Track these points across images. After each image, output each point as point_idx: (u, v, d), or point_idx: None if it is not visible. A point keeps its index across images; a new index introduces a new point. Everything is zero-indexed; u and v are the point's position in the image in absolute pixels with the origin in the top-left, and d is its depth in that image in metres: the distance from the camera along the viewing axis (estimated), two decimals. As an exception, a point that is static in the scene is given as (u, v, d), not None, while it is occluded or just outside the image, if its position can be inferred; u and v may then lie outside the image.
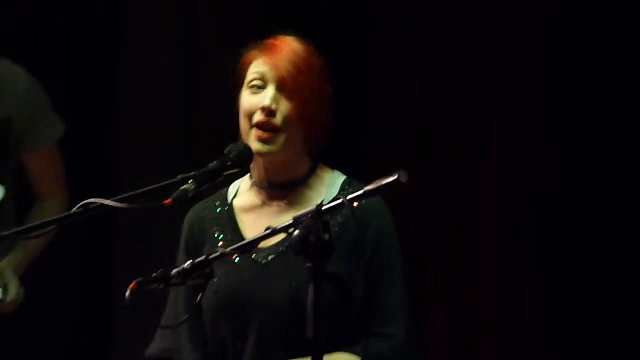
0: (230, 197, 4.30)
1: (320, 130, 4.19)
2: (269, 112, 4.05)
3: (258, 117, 4.06)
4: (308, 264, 3.47)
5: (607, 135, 6.16)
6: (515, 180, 6.32)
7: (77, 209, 3.88)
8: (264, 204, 4.23)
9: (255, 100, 4.09)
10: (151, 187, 3.93)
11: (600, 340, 6.11)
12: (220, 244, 4.15)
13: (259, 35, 4.28)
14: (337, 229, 3.90)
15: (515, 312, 6.28)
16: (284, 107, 4.06)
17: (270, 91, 4.08)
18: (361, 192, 3.62)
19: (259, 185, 4.23)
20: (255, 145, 4.07)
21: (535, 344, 6.28)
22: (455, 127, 6.35)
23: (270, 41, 4.17)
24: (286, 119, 4.06)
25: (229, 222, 4.25)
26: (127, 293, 3.77)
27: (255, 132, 4.07)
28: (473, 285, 6.30)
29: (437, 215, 6.29)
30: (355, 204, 3.76)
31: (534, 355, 6.28)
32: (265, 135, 4.05)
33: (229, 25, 6.01)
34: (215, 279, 4.04)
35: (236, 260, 4.13)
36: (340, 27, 6.02)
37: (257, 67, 4.13)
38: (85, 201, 3.89)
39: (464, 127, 6.35)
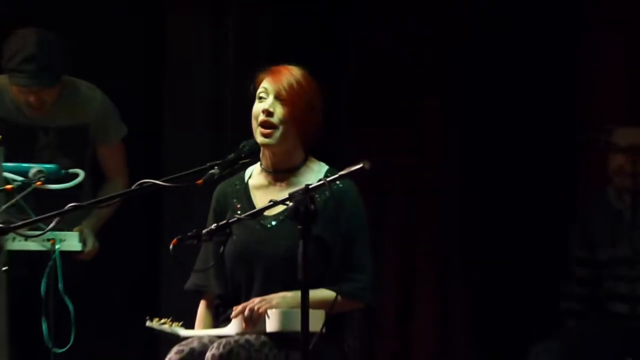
0: (246, 178, 4.33)
1: (309, 131, 4.23)
2: (268, 113, 4.12)
3: (261, 117, 4.13)
4: (299, 227, 3.58)
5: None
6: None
7: (135, 186, 3.94)
8: (269, 183, 4.28)
9: (260, 106, 4.16)
10: (187, 172, 3.98)
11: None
12: (238, 212, 4.19)
13: (268, 62, 4.32)
14: (321, 204, 3.93)
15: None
16: (279, 111, 4.12)
17: (270, 99, 4.14)
18: (337, 175, 3.78)
19: (266, 170, 4.27)
20: (259, 139, 4.15)
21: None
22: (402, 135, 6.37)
23: (275, 67, 4.23)
24: (280, 119, 4.12)
25: (244, 196, 4.30)
26: (171, 246, 3.87)
27: (259, 129, 4.14)
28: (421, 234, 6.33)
29: (391, 193, 6.35)
30: (337, 185, 4.04)
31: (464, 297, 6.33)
32: (265, 131, 4.12)
33: (246, 55, 6.03)
34: (234, 237, 4.14)
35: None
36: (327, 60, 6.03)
37: (264, 84, 4.18)
38: (141, 181, 3.96)
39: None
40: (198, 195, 4.35)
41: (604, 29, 6.07)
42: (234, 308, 4.15)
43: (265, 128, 4.16)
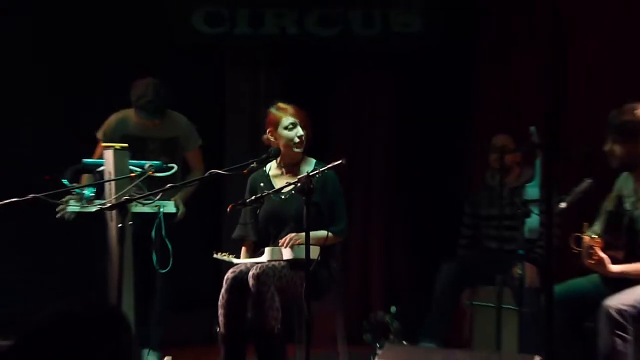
0: (267, 171, 4.40)
1: (308, 141, 4.29)
2: (301, 137, 4.20)
3: (296, 140, 4.21)
4: (303, 198, 3.66)
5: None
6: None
7: (207, 174, 4.02)
8: (282, 173, 4.35)
9: (292, 132, 4.22)
10: (237, 165, 4.07)
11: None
12: (265, 190, 4.21)
13: (285, 100, 4.39)
14: (315, 184, 3.93)
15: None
16: (303, 133, 4.21)
17: (298, 128, 4.21)
18: (324, 168, 3.88)
19: (280, 165, 4.35)
20: (295, 149, 4.23)
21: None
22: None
23: (287, 106, 4.30)
24: (305, 138, 4.24)
25: (267, 180, 4.36)
26: (228, 209, 3.95)
27: (296, 146, 4.22)
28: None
29: (356, 178, 6.32)
30: (325, 172, 4.01)
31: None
32: (299, 145, 4.23)
33: (272, 95, 5.87)
34: (263, 205, 4.26)
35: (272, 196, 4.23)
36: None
37: (290, 119, 4.23)
38: (210, 170, 4.02)
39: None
40: (243, 180, 4.37)
41: (486, 74, 6.05)
42: (280, 241, 4.19)
43: (300, 144, 4.23)
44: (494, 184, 5.23)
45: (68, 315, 1.53)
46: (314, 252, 3.91)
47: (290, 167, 4.33)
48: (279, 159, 4.32)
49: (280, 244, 4.18)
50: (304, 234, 4.07)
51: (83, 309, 1.54)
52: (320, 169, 3.91)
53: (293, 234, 4.16)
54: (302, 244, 4.03)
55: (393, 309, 5.33)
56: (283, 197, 4.27)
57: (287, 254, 4.13)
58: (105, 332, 1.52)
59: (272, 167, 4.40)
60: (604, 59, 5.54)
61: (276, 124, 4.29)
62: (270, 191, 4.11)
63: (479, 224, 5.37)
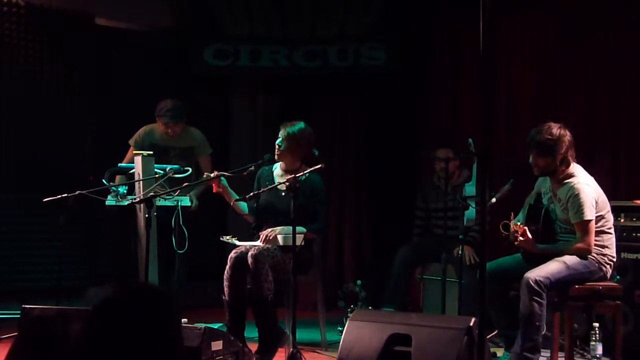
0: (273, 169, 4.30)
1: (296, 152, 4.18)
2: (278, 146, 4.11)
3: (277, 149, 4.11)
4: (291, 195, 3.63)
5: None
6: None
7: (214, 175, 3.97)
8: (283, 174, 4.24)
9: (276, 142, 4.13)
10: (239, 168, 4.03)
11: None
12: (266, 183, 4.19)
13: (279, 121, 4.34)
14: (303, 186, 3.95)
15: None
16: (278, 144, 4.14)
17: (280, 139, 4.14)
18: (308, 170, 3.82)
19: (282, 168, 4.26)
20: (277, 157, 4.14)
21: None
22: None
23: (284, 123, 4.22)
24: (281, 148, 4.14)
25: (271, 178, 4.27)
26: (231, 203, 3.90)
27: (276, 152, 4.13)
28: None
29: (334, 180, 6.29)
30: (309, 175, 3.96)
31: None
32: (276, 153, 4.14)
33: (267, 119, 5.99)
34: (260, 198, 4.18)
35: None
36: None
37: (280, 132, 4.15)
38: (217, 172, 3.99)
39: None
40: (245, 179, 4.33)
41: (435, 98, 6.02)
42: (260, 233, 4.14)
43: (276, 153, 4.16)
44: (440, 184, 5.22)
45: (128, 293, 1.52)
46: (298, 239, 3.88)
47: (289, 172, 4.20)
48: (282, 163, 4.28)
49: (260, 240, 4.10)
50: (278, 228, 4.04)
51: (139, 289, 1.52)
52: (305, 172, 3.89)
53: (269, 229, 4.10)
54: (281, 234, 4.01)
55: (358, 282, 5.34)
56: (282, 194, 4.16)
57: (279, 239, 4.08)
58: (154, 308, 1.49)
59: (277, 168, 4.32)
60: (521, 91, 5.55)
61: None
62: (266, 188, 4.07)
63: (429, 215, 5.34)
